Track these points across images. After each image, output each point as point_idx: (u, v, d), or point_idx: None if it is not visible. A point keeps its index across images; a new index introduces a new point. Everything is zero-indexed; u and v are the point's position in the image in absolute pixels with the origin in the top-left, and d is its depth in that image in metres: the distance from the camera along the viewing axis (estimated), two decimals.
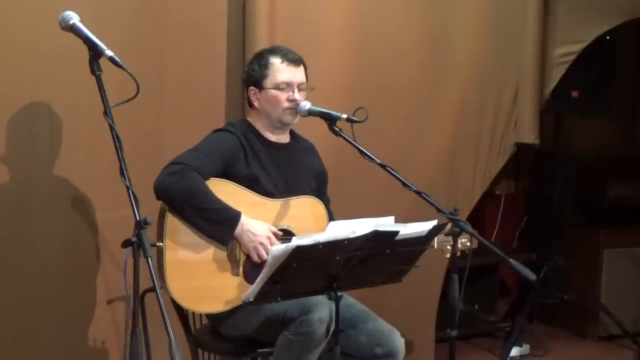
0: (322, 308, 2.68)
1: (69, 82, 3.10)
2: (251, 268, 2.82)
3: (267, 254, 2.75)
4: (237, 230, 2.77)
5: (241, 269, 2.83)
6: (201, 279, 2.77)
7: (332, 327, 2.65)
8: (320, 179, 3.14)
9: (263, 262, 2.78)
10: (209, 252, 2.79)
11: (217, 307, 2.80)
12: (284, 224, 2.90)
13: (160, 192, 2.72)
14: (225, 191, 2.81)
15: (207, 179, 2.79)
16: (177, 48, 3.40)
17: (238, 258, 2.83)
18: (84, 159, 3.20)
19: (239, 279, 2.82)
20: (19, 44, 3.07)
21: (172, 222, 2.75)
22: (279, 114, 2.95)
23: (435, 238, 2.89)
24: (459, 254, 2.84)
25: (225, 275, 2.81)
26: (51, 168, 3.17)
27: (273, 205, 2.89)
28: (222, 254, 2.81)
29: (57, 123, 3.15)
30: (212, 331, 2.97)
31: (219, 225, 2.76)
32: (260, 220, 2.82)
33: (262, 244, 2.78)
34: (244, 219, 2.78)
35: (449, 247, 2.94)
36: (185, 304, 2.77)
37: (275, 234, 2.82)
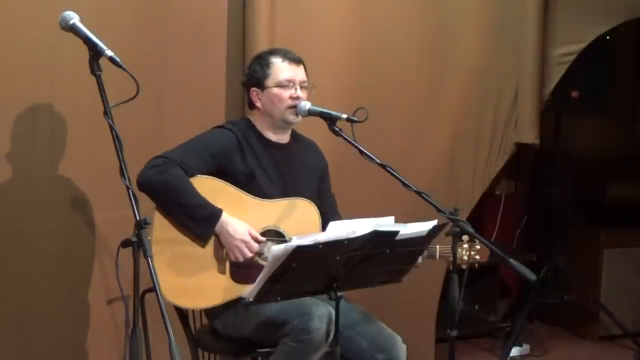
0: (322, 317, 2.68)
1: (69, 82, 3.11)
2: (238, 266, 2.82)
3: (244, 256, 2.76)
4: (217, 228, 2.77)
5: (227, 267, 2.83)
6: (187, 275, 2.77)
7: (332, 332, 2.65)
8: (323, 176, 3.13)
9: (249, 262, 2.79)
10: (195, 249, 2.79)
11: (202, 304, 2.81)
12: (273, 225, 2.89)
13: (141, 183, 2.72)
14: (213, 189, 2.81)
15: (193, 175, 2.79)
16: (177, 48, 3.40)
17: (224, 256, 2.82)
18: (84, 159, 3.21)
19: (224, 277, 2.82)
20: (19, 44, 3.07)
21: (159, 217, 2.76)
22: (282, 112, 2.94)
23: (438, 247, 2.87)
24: (464, 265, 2.84)
25: (211, 273, 2.81)
26: (51, 168, 3.17)
27: (263, 205, 2.88)
28: (209, 251, 2.81)
29: (57, 123, 3.15)
30: (212, 331, 2.97)
31: (197, 221, 2.76)
32: (243, 222, 2.81)
33: (237, 246, 2.78)
34: (224, 218, 2.77)
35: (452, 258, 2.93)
36: (171, 298, 2.75)
37: (255, 238, 2.81)
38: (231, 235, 2.77)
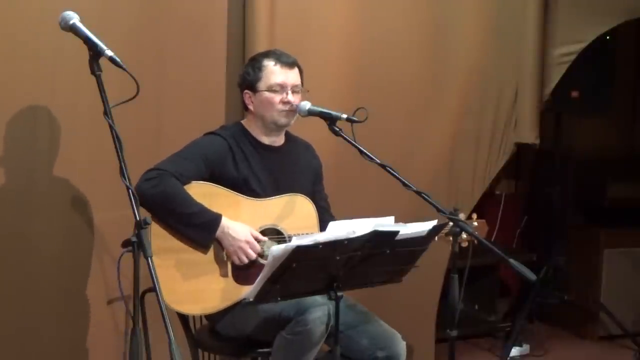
0: (318, 308, 2.68)
1: (69, 83, 3.10)
2: (240, 268, 2.82)
3: (248, 257, 2.77)
4: (218, 233, 2.77)
5: (229, 270, 2.83)
6: (189, 282, 2.77)
7: (329, 326, 2.65)
8: (316, 177, 3.14)
9: (251, 263, 2.79)
10: (196, 255, 2.79)
11: (208, 308, 2.81)
12: (271, 223, 2.90)
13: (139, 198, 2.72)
14: (208, 193, 2.81)
15: (188, 182, 2.79)
16: (177, 48, 3.40)
17: (225, 259, 2.82)
18: (84, 159, 3.20)
19: (227, 280, 2.82)
20: (19, 44, 3.07)
21: (157, 228, 2.75)
22: (272, 116, 2.94)
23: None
24: (465, 244, 2.82)
25: (214, 277, 2.81)
26: (51, 168, 3.17)
27: (258, 204, 2.89)
28: (210, 256, 2.81)
29: (57, 123, 3.15)
30: (212, 331, 2.97)
31: (198, 228, 2.76)
32: (243, 223, 2.82)
33: (241, 248, 2.78)
34: (224, 222, 2.78)
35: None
36: (175, 307, 2.76)
37: (256, 238, 2.82)
38: (234, 238, 2.77)
